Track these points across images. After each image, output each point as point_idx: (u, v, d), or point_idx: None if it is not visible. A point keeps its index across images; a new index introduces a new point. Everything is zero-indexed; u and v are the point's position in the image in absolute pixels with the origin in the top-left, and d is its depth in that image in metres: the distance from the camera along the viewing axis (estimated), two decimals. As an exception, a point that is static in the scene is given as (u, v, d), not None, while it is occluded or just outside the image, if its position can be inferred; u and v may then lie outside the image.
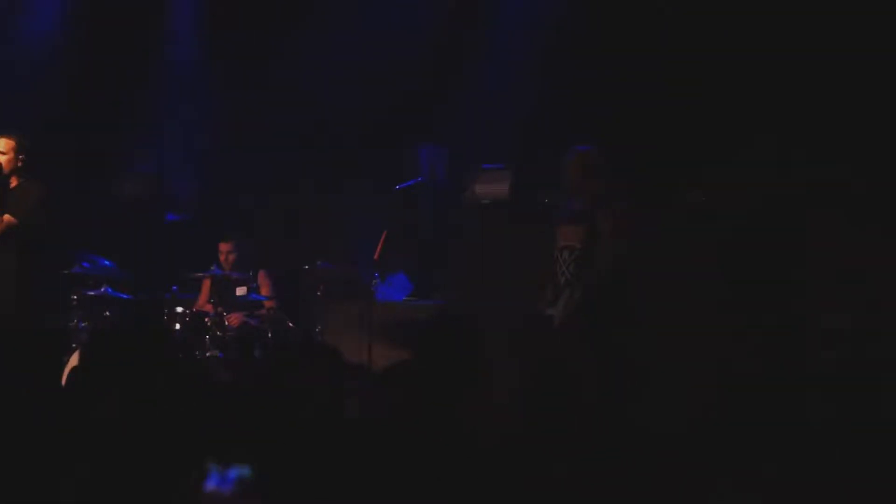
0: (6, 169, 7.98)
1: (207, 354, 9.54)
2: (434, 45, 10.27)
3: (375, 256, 9.18)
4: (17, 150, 7.98)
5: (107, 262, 9.82)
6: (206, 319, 9.82)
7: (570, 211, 7.54)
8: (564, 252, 7.47)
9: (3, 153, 7.95)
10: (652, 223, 7.73)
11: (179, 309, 9.85)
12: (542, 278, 7.59)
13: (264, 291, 10.23)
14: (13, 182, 8.03)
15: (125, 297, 9.81)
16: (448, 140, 10.16)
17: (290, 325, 10.03)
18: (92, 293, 9.64)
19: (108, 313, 9.67)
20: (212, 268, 10.05)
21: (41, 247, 8.06)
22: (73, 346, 9.02)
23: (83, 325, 9.48)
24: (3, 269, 7.86)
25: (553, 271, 7.48)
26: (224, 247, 10.20)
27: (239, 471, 2.59)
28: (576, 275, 7.36)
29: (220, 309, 9.87)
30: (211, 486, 2.56)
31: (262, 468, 3.18)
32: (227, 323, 9.82)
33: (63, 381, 4.70)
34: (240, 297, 10.06)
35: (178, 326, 9.74)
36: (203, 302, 10.31)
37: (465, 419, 4.02)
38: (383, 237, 9.20)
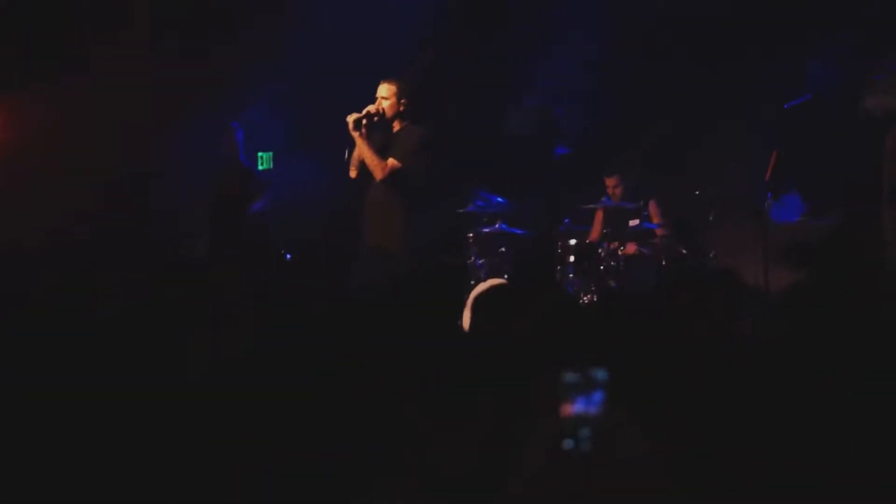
0: (389, 114, 8.13)
1: (602, 285, 9.60)
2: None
3: (767, 177, 8.94)
4: (399, 95, 8.12)
5: (500, 199, 10.02)
6: (600, 251, 9.88)
7: None
8: None
9: (385, 98, 8.12)
10: None
11: (573, 241, 9.95)
12: None
13: (656, 220, 10.18)
14: (396, 126, 8.20)
15: (520, 232, 9.99)
16: (838, 53, 9.75)
17: (684, 251, 9.95)
18: (487, 230, 9.88)
19: (503, 249, 9.88)
20: (602, 199, 10.10)
21: (427, 188, 8.22)
22: (472, 282, 9.29)
23: (480, 262, 9.73)
24: (391, 213, 8.06)
25: None
26: (610, 181, 10.21)
27: (602, 392, 2.54)
28: None
29: (613, 241, 9.91)
30: (577, 408, 2.53)
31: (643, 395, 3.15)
32: (621, 253, 9.86)
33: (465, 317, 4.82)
34: (632, 227, 10.08)
35: (572, 258, 9.85)
36: (596, 234, 10.37)
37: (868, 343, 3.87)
38: (774, 157, 8.95)
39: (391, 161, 8.01)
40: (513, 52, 11.04)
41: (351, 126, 7.96)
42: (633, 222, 10.06)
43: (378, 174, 8.00)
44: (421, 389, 3.48)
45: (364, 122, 7.99)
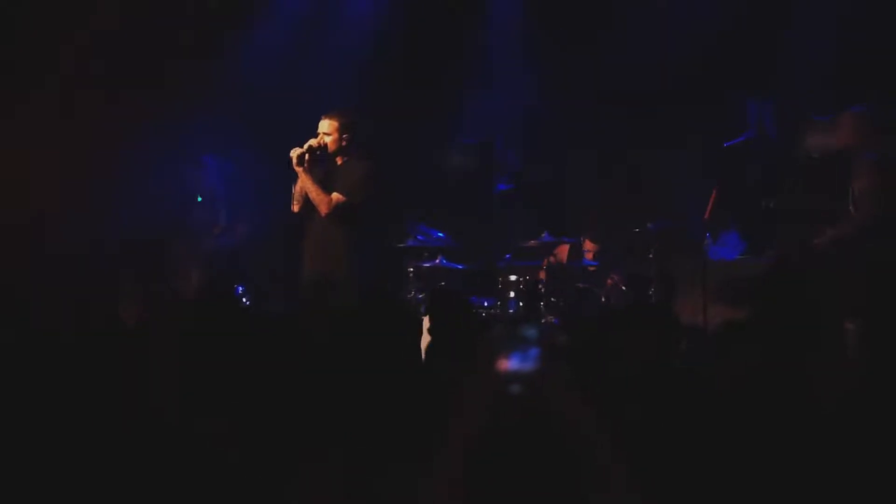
0: (331, 149, 8.14)
1: (542, 321, 9.62)
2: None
3: (706, 215, 9.02)
4: (341, 130, 8.13)
5: (440, 234, 10.04)
6: (540, 286, 9.91)
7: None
8: None
9: (327, 134, 8.13)
10: None
11: (513, 277, 9.98)
12: None
13: (589, 256, 10.26)
14: (339, 161, 8.21)
15: (459, 267, 10.00)
16: (776, 93, 9.90)
17: (623, 287, 10.00)
18: (427, 265, 9.90)
19: (443, 283, 9.89)
20: (542, 235, 10.12)
21: (371, 223, 8.23)
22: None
23: (420, 296, 9.74)
24: (335, 246, 8.06)
25: None
26: (591, 246, 10.29)
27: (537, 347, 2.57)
28: None
29: (553, 279, 9.96)
30: (513, 364, 2.56)
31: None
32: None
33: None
34: (573, 263, 10.14)
35: (512, 294, 9.88)
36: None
37: (809, 378, 3.91)
38: (714, 195, 9.03)
39: (335, 195, 8.01)
40: (455, 89, 11.09)
41: (294, 161, 7.95)
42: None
43: (323, 209, 7.99)
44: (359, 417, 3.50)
45: (307, 156, 7.99)
